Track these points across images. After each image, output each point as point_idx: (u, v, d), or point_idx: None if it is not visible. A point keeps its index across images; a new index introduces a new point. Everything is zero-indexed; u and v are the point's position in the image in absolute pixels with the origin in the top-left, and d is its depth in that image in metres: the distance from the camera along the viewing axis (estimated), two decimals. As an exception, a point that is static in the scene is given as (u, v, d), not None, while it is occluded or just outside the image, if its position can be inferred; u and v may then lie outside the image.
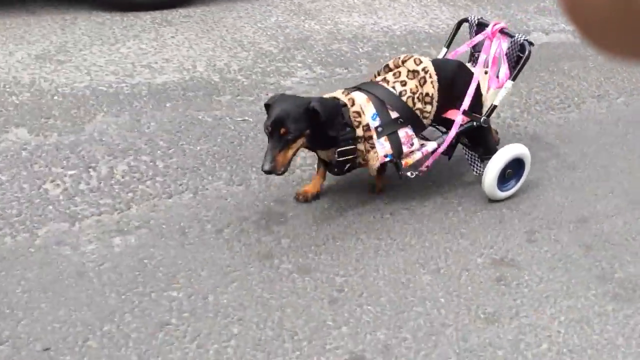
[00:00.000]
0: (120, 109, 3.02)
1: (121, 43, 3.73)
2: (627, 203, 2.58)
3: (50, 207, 2.34)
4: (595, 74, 3.71)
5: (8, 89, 3.11)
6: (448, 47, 2.66)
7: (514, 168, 2.44)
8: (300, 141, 2.12)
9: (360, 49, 3.92)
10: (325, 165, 2.37)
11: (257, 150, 2.71)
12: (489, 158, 2.40)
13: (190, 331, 1.88)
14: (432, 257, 2.24)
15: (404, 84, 2.28)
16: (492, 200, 2.46)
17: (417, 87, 2.28)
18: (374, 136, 2.19)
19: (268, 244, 2.24)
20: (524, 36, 2.42)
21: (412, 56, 2.36)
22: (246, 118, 3.05)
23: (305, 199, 2.41)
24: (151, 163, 2.65)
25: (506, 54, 2.43)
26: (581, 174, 2.76)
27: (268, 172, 2.06)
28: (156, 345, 1.82)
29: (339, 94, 2.24)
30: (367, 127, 2.18)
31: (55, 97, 3.08)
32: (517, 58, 2.42)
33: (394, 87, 2.27)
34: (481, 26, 2.53)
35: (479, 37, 2.48)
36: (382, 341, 1.89)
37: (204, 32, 3.99)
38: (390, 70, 2.36)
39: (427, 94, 2.29)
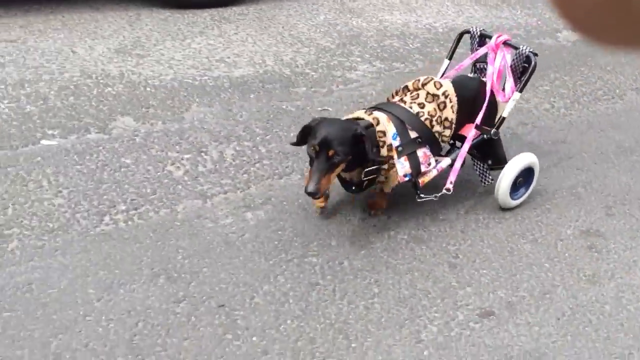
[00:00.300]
0: (210, 100, 3.25)
1: (190, 39, 3.95)
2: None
3: (179, 186, 2.58)
4: (629, 68, 4.06)
5: (102, 81, 3.32)
6: (450, 58, 2.63)
7: (525, 177, 2.51)
8: (343, 165, 2.08)
9: (411, 45, 4.20)
10: (343, 182, 2.36)
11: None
12: (500, 168, 2.46)
13: (338, 290, 2.14)
14: (528, 229, 2.53)
15: (421, 106, 2.27)
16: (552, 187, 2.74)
17: (435, 110, 2.28)
18: (395, 156, 2.17)
19: (381, 218, 2.51)
20: (528, 48, 2.41)
21: (432, 79, 2.34)
22: (326, 107, 3.31)
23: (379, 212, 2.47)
24: (254, 148, 2.89)
25: (511, 66, 2.42)
26: (638, 158, 3.07)
27: (311, 194, 2.00)
28: (313, 302, 2.08)
29: (362, 113, 2.21)
30: (390, 147, 2.17)
31: (148, 89, 3.30)
32: (523, 69, 2.43)
33: (411, 108, 2.26)
34: (483, 38, 2.52)
35: (483, 50, 2.47)
36: (504, 299, 2.18)
37: (263, 29, 4.23)
38: (409, 91, 2.35)
39: (446, 119, 2.30)
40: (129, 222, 2.33)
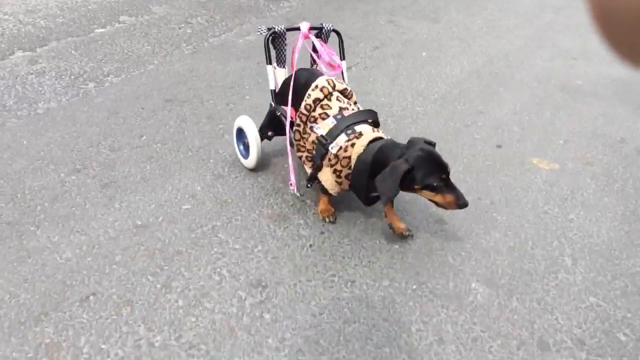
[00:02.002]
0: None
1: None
2: None
3: (214, 27, 4.62)
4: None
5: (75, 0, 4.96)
6: (270, 63, 2.52)
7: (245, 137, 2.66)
8: None
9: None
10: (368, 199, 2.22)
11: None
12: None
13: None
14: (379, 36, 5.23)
15: (355, 103, 2.36)
16: None
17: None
18: None
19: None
20: (331, 25, 2.56)
21: (331, 79, 2.31)
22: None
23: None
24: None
25: (325, 43, 2.56)
26: (412, 15, 6.00)
27: (467, 204, 1.97)
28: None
29: (374, 133, 2.16)
30: None
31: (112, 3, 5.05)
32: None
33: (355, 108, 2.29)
34: (282, 35, 2.53)
35: (300, 41, 2.46)
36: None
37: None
38: (322, 100, 2.27)
39: (355, 103, 2.38)
40: (207, 43, 4.33)
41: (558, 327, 1.97)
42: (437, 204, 2.03)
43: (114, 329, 1.86)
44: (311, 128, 2.25)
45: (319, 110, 2.25)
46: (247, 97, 3.55)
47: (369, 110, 2.24)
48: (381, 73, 4.08)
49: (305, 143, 2.29)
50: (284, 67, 2.55)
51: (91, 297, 1.98)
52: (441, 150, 2.20)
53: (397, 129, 3.31)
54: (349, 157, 2.12)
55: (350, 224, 2.42)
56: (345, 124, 2.17)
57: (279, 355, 1.79)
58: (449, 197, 1.99)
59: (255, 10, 5.19)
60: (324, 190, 2.30)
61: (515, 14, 5.68)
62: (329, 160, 2.18)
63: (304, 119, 2.28)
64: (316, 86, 2.27)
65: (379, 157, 2.05)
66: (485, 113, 3.56)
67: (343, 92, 2.32)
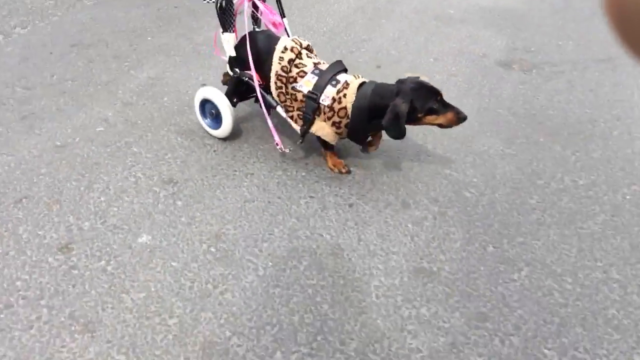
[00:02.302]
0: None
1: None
2: None
3: None
4: None
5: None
6: (225, 30, 2.43)
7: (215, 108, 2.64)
8: None
9: None
10: (363, 143, 2.45)
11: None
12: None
13: None
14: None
15: (316, 55, 2.48)
16: None
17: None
18: None
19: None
20: None
21: (295, 38, 2.41)
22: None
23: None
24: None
25: (264, 2, 2.52)
26: None
27: (465, 118, 2.17)
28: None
29: (359, 80, 2.30)
30: None
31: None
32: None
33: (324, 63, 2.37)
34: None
35: (245, 4, 2.45)
36: None
37: None
38: (294, 60, 2.35)
39: (316, 55, 2.48)
40: (99, -2, 4.55)
41: (417, 192, 2.45)
42: (441, 126, 2.22)
43: (47, 220, 2.20)
44: (293, 88, 2.33)
45: (295, 70, 2.33)
46: (149, 38, 3.85)
47: (338, 61, 2.37)
48: (275, 13, 4.43)
49: (292, 103, 2.36)
50: (232, 31, 2.45)
51: (24, 200, 2.30)
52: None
53: (288, 56, 3.70)
54: (345, 108, 2.24)
55: (249, 133, 2.82)
56: (328, 76, 2.28)
57: (190, 227, 2.18)
58: (450, 115, 2.17)
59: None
60: (326, 145, 2.46)
61: (399, -43, 6.13)
62: (324, 113, 2.29)
63: (284, 80, 2.34)
64: (285, 48, 2.34)
65: (375, 100, 2.20)
66: (368, 41, 4.01)
67: (307, 48, 2.43)
